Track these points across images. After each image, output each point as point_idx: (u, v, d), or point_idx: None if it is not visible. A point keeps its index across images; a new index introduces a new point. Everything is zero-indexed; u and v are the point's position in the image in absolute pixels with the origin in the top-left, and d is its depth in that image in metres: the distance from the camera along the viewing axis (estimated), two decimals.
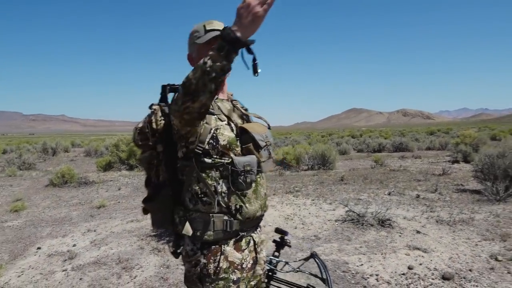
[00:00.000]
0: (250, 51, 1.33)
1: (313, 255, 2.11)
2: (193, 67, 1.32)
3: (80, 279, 3.95)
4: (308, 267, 3.25)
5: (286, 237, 1.95)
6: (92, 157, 20.38)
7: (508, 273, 3.71)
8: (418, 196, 7.50)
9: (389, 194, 7.75)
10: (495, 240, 4.64)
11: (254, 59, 1.36)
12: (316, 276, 2.12)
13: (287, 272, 2.10)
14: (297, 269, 2.12)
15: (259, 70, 1.38)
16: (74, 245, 5.04)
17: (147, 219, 6.15)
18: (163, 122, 1.60)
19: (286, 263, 2.04)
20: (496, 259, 4.04)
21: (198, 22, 1.73)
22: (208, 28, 1.64)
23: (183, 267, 4.09)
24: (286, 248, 1.91)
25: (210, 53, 1.26)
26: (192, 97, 1.30)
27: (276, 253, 2.08)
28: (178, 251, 1.66)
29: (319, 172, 11.96)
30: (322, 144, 14.85)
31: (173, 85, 1.70)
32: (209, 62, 1.25)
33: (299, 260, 2.21)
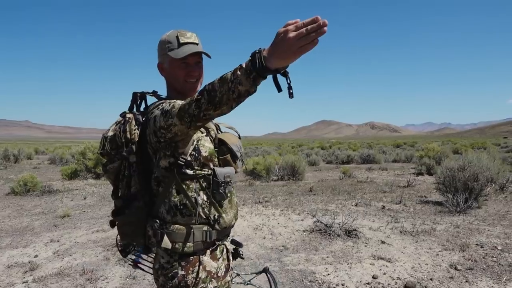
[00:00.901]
0: (283, 74, 1.17)
1: (265, 270, 2.08)
2: (219, 78, 1.22)
3: None
4: (259, 282, 3.28)
5: (240, 249, 1.94)
6: (57, 164, 19.73)
7: (467, 281, 3.87)
8: (383, 207, 7.71)
9: (356, 205, 7.93)
10: (455, 250, 4.83)
11: (289, 84, 1.16)
12: None
13: (237, 283, 2.06)
14: (248, 282, 2.09)
15: (292, 93, 1.17)
16: (36, 256, 4.86)
17: (113, 229, 5.99)
18: (137, 131, 1.58)
19: (237, 274, 2.01)
20: (456, 268, 4.21)
21: (166, 30, 1.70)
22: (182, 40, 1.60)
23: (150, 278, 4.03)
24: (253, 257, 1.94)
25: (238, 73, 1.15)
26: (214, 106, 1.23)
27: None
28: (132, 258, 1.64)
29: (288, 182, 12.09)
30: (292, 155, 15.02)
31: (143, 92, 1.69)
32: (235, 82, 1.15)
33: (251, 274, 2.20)
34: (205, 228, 1.55)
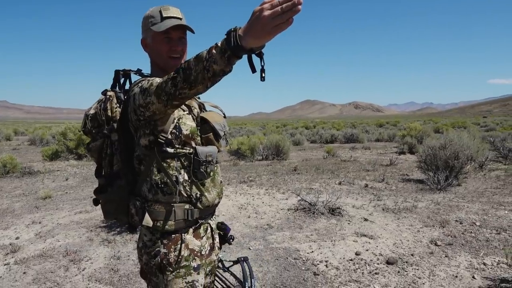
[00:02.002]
0: (258, 55, 1.15)
1: (240, 260, 2.07)
2: (195, 56, 1.19)
3: (24, 273, 3.77)
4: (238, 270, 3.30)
5: (228, 233, 1.92)
6: (37, 146, 19.36)
7: (446, 256, 3.98)
8: (366, 185, 7.82)
9: (339, 183, 8.02)
10: (435, 227, 4.95)
11: (263, 67, 1.15)
12: (240, 282, 2.07)
13: (219, 268, 2.02)
14: (225, 269, 2.07)
15: (264, 76, 1.16)
16: (17, 238, 4.79)
17: (97, 210, 5.96)
18: (118, 109, 1.57)
19: (220, 260, 1.98)
20: (436, 244, 4.31)
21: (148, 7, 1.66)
22: (164, 15, 1.57)
23: (134, 258, 4.03)
24: (238, 236, 1.92)
25: (213, 51, 1.12)
26: (190, 85, 1.21)
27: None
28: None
29: (273, 162, 12.13)
30: (276, 135, 15.04)
31: (127, 70, 1.66)
32: (210, 61, 1.13)
33: (229, 261, 2.20)
34: (187, 206, 1.54)
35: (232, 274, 2.11)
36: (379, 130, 29.45)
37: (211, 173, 1.62)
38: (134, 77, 1.69)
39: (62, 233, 4.94)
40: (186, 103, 1.60)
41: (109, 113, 1.56)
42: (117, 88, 1.66)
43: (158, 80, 1.35)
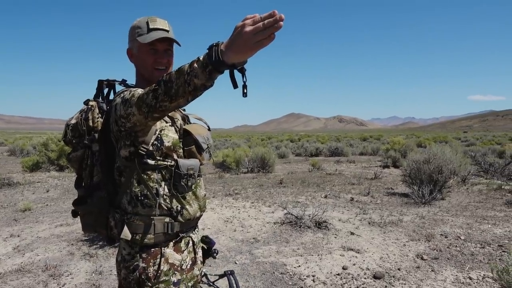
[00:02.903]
0: (240, 70, 1.14)
1: (228, 274, 2.06)
2: (177, 69, 1.17)
3: None
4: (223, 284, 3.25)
5: (213, 248, 1.89)
6: (17, 156, 18.88)
7: (432, 271, 3.98)
8: (352, 199, 7.84)
9: (325, 197, 8.02)
10: (420, 240, 4.96)
11: (245, 82, 1.14)
12: None
13: (202, 283, 2.01)
14: (211, 283, 2.05)
15: (246, 92, 1.15)
16: None
17: (78, 223, 5.78)
18: (100, 119, 1.54)
19: (205, 274, 1.95)
20: (422, 258, 4.32)
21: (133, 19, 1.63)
22: (151, 26, 1.56)
23: (116, 273, 3.91)
24: (224, 250, 1.89)
25: (195, 65, 1.12)
26: (170, 98, 1.19)
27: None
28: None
29: (258, 175, 12.09)
30: (261, 148, 15.02)
31: (111, 80, 1.65)
32: (192, 74, 1.12)
33: (215, 275, 2.17)
34: (167, 219, 1.52)
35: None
36: (363, 144, 29.76)
37: (193, 187, 1.59)
38: (119, 88, 1.67)
39: (41, 247, 4.78)
40: (170, 114, 1.58)
41: (90, 123, 1.55)
42: (100, 98, 1.64)
43: (140, 91, 1.33)
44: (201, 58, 1.12)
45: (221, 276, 2.12)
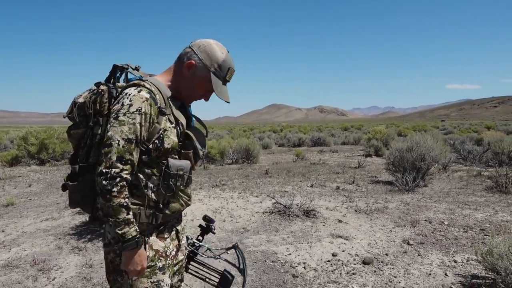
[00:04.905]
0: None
1: (235, 247, 2.21)
2: (104, 213, 1.45)
3: None
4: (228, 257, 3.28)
5: (211, 225, 2.06)
6: None
7: (419, 255, 4.10)
8: (338, 187, 7.96)
9: (311, 186, 8.12)
10: (406, 226, 5.10)
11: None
12: (234, 265, 2.22)
13: (207, 257, 2.17)
14: (217, 256, 2.19)
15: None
16: None
17: (64, 217, 5.74)
18: (107, 105, 1.54)
19: (208, 249, 2.13)
20: (408, 243, 4.44)
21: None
22: (228, 78, 1.66)
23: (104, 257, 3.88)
24: (215, 240, 1.99)
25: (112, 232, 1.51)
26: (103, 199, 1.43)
27: (200, 237, 2.13)
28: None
29: (243, 166, 12.12)
30: (245, 139, 15.03)
31: (125, 66, 1.64)
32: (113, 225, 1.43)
33: (221, 249, 2.30)
34: (153, 211, 1.56)
35: (225, 260, 2.26)
36: (344, 133, 30.10)
37: (181, 187, 1.63)
38: (131, 76, 1.68)
39: (28, 242, 4.71)
40: (175, 116, 1.61)
41: (98, 106, 1.55)
42: (111, 83, 1.63)
43: (114, 151, 1.42)
44: (119, 234, 1.43)
45: (227, 249, 2.28)
